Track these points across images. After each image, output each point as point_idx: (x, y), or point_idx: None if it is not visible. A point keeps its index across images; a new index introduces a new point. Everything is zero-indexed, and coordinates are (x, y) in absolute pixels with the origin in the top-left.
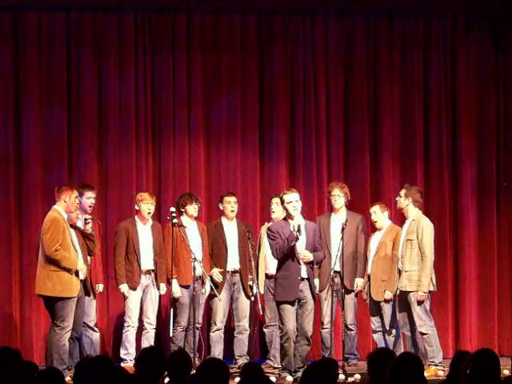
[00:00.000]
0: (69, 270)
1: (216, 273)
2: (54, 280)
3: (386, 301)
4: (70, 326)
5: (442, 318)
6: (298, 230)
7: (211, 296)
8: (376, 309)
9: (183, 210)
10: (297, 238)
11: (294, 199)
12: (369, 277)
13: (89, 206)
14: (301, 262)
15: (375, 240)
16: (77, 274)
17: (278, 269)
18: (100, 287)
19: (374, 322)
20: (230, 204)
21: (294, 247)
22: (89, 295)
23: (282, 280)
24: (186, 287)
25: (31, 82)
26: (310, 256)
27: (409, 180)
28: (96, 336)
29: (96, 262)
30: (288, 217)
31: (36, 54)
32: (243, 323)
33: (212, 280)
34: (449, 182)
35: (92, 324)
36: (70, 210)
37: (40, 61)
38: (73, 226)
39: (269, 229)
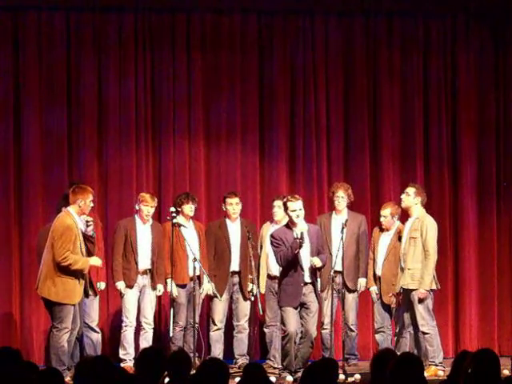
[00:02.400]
0: (80, 272)
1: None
2: (58, 286)
3: (392, 306)
4: (69, 328)
5: (442, 318)
6: (301, 238)
7: (211, 296)
8: (386, 310)
9: (180, 210)
10: (300, 246)
11: (297, 208)
12: (379, 278)
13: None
14: (304, 268)
15: (384, 242)
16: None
17: (282, 275)
18: (102, 285)
19: (378, 323)
20: (232, 206)
21: (297, 254)
22: (87, 296)
23: (285, 286)
24: (183, 286)
25: (31, 81)
26: (319, 263)
27: (409, 180)
28: (97, 337)
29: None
30: (291, 224)
31: (36, 54)
32: (242, 323)
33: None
34: (449, 181)
35: (93, 325)
36: (84, 213)
37: (40, 61)
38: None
39: (272, 236)
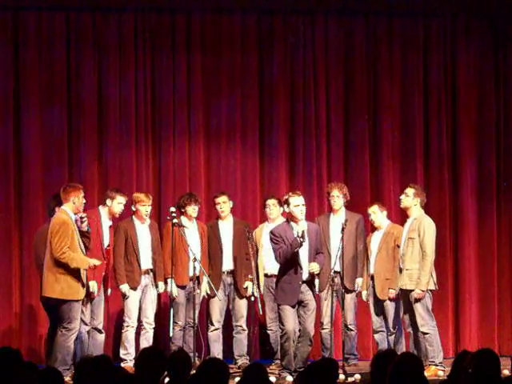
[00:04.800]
0: (78, 271)
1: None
2: (61, 283)
3: (390, 299)
4: (77, 328)
5: (442, 318)
6: (302, 236)
7: (209, 296)
8: (380, 308)
9: (183, 211)
10: (300, 245)
11: (301, 203)
12: (372, 276)
13: (118, 211)
14: (303, 266)
15: (376, 239)
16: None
17: (280, 272)
18: (108, 291)
19: (376, 322)
20: (220, 205)
21: (296, 253)
22: (90, 298)
23: (283, 284)
24: (183, 287)
25: (31, 82)
26: (317, 269)
27: (409, 180)
28: (101, 337)
29: (110, 267)
30: (292, 220)
31: (36, 54)
32: (241, 323)
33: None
34: (449, 181)
35: (100, 326)
36: (79, 211)
37: (40, 61)
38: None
39: (272, 232)
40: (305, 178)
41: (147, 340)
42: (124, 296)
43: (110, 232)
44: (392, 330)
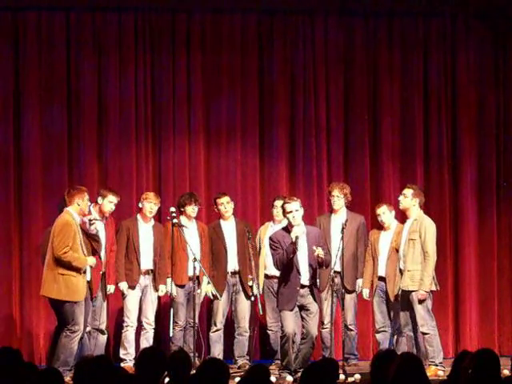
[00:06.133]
0: (79, 270)
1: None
2: (60, 283)
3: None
4: (81, 330)
5: (442, 318)
6: (295, 243)
7: (214, 296)
8: (387, 309)
9: (182, 210)
10: (293, 251)
11: (293, 209)
12: (381, 277)
13: (108, 210)
14: (301, 271)
15: (385, 240)
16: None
17: (281, 278)
18: (112, 288)
19: (379, 322)
20: (223, 205)
21: (293, 258)
22: (92, 297)
23: (282, 289)
24: (182, 286)
25: (31, 81)
26: (322, 252)
27: (409, 180)
28: (103, 338)
29: (110, 264)
30: (290, 226)
31: (36, 54)
32: (243, 325)
33: (209, 282)
34: (449, 181)
35: (102, 327)
36: (84, 213)
37: (40, 61)
38: (81, 226)
39: (270, 238)
40: (305, 178)
41: (147, 340)
42: (122, 294)
43: (108, 232)
44: (397, 330)
